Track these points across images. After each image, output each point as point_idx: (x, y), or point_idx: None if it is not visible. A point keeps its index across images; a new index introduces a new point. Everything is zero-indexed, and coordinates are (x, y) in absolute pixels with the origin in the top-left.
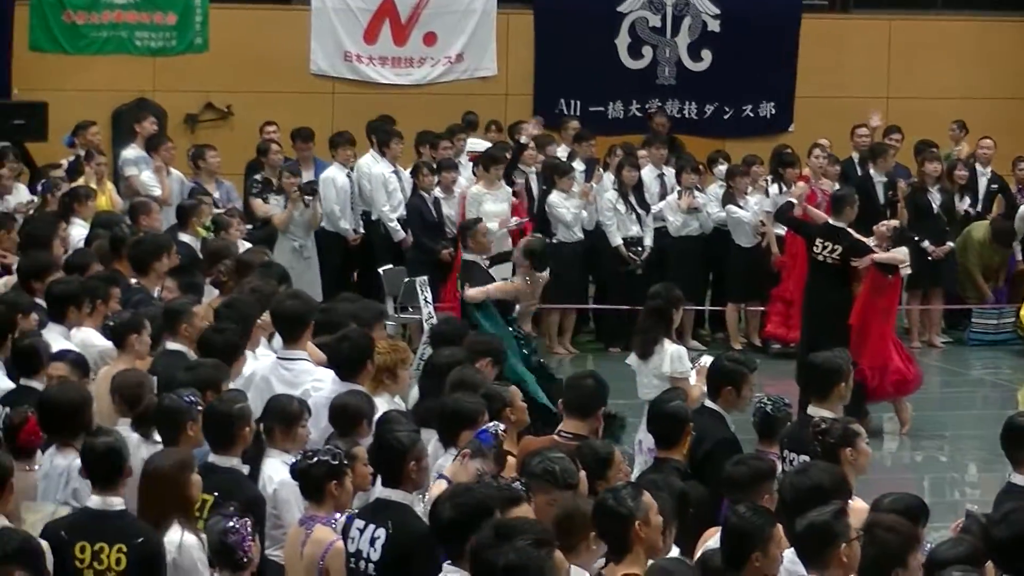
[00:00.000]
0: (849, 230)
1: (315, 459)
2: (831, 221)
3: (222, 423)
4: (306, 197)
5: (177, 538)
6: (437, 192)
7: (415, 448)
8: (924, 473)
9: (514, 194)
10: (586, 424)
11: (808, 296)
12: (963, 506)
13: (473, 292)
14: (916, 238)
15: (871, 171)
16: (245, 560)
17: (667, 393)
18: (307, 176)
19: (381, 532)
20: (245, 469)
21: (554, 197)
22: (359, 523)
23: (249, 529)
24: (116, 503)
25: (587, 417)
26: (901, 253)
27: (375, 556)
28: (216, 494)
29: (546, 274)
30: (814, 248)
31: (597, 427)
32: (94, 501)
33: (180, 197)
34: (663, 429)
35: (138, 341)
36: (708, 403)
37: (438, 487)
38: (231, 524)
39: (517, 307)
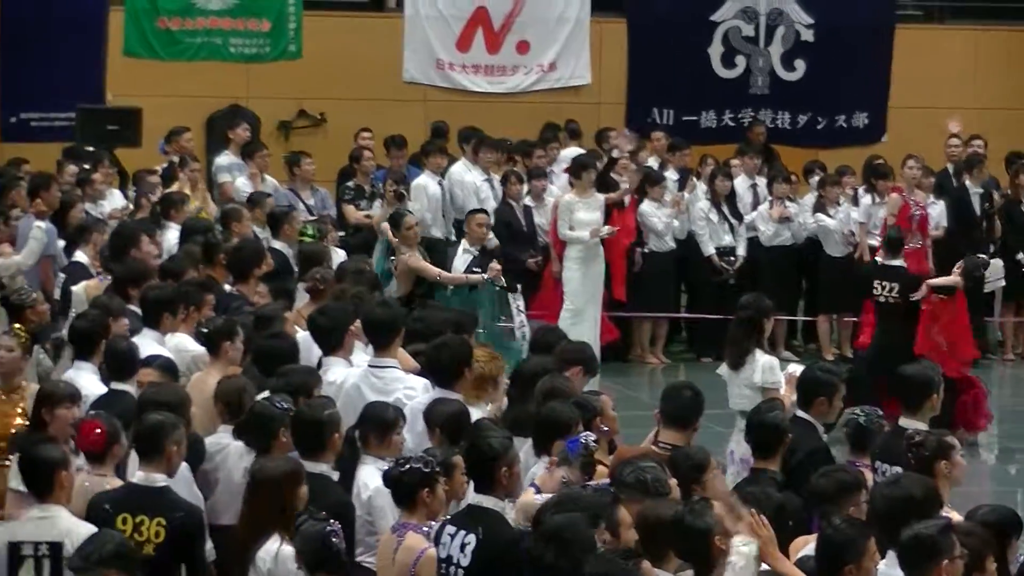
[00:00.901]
0: (901, 265)
1: (407, 467)
2: (881, 260)
3: (312, 429)
4: (396, 201)
5: (275, 548)
6: (528, 200)
7: (507, 454)
8: (1019, 487)
9: (618, 205)
10: (684, 435)
11: (881, 338)
12: None
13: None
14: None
15: (967, 182)
16: (344, 562)
17: (767, 403)
18: None
19: (472, 538)
20: (335, 475)
21: (646, 206)
22: (450, 529)
23: (341, 533)
24: (159, 479)
25: (686, 428)
26: (996, 266)
27: (465, 562)
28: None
29: None
30: (874, 292)
31: (692, 437)
32: (138, 476)
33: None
34: (762, 439)
35: (231, 348)
36: (800, 413)
37: (527, 495)
38: (331, 528)
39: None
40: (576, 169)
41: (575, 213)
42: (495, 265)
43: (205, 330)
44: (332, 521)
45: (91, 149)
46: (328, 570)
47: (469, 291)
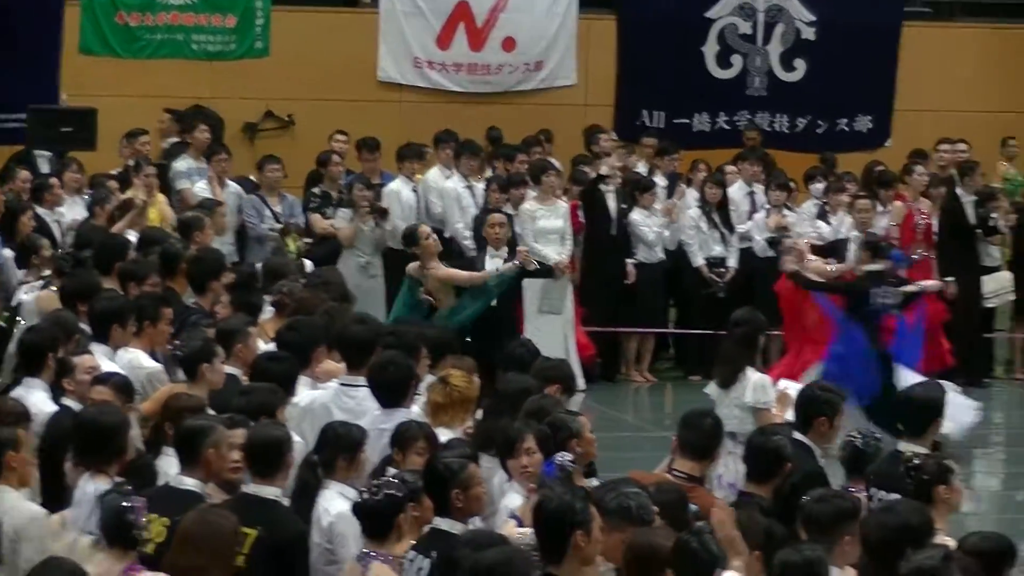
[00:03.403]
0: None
1: (380, 494)
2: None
3: (266, 450)
4: (377, 216)
5: None
6: (508, 209)
7: (462, 475)
8: None
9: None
10: (701, 465)
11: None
12: None
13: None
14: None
15: (958, 191)
16: (139, 538)
17: (772, 427)
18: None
19: (426, 563)
20: (285, 501)
21: (636, 215)
22: (411, 554)
23: (145, 509)
24: (188, 483)
25: (704, 458)
26: (1004, 279)
27: None
28: (259, 528)
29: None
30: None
31: (708, 468)
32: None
33: (236, 210)
34: (760, 463)
35: (210, 370)
36: (797, 435)
37: (509, 527)
38: (128, 503)
39: None
40: (536, 173)
41: (537, 221)
42: (523, 248)
43: (180, 354)
44: (135, 498)
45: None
46: (123, 544)
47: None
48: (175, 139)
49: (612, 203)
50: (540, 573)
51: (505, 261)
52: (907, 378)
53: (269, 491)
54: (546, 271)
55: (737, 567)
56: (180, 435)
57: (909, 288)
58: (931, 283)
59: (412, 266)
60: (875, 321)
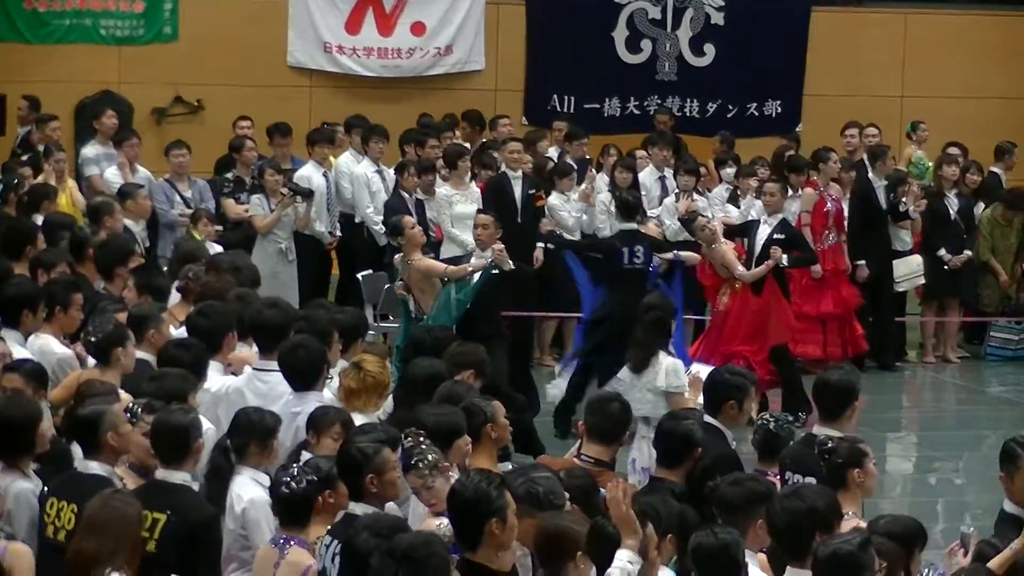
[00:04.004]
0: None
1: (297, 480)
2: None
3: (174, 436)
4: (298, 198)
5: None
6: (419, 194)
7: (376, 459)
8: (938, 496)
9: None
10: (609, 449)
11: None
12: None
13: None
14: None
15: (870, 175)
16: None
17: (683, 411)
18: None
19: (338, 547)
20: (195, 485)
21: (554, 199)
22: (327, 539)
23: None
24: (93, 467)
25: (612, 443)
26: (913, 263)
27: (334, 573)
28: (168, 512)
29: None
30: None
31: (617, 452)
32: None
33: (148, 195)
34: (671, 447)
35: (123, 355)
36: (708, 418)
37: (429, 520)
38: None
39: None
40: (452, 159)
41: (453, 207)
42: (498, 246)
43: (93, 339)
44: None
45: None
46: None
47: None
48: (30, 127)
49: (518, 190)
50: (458, 558)
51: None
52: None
53: (178, 476)
54: (520, 271)
55: (631, 545)
56: (76, 423)
57: (666, 256)
58: (689, 254)
59: (396, 258)
60: (644, 283)
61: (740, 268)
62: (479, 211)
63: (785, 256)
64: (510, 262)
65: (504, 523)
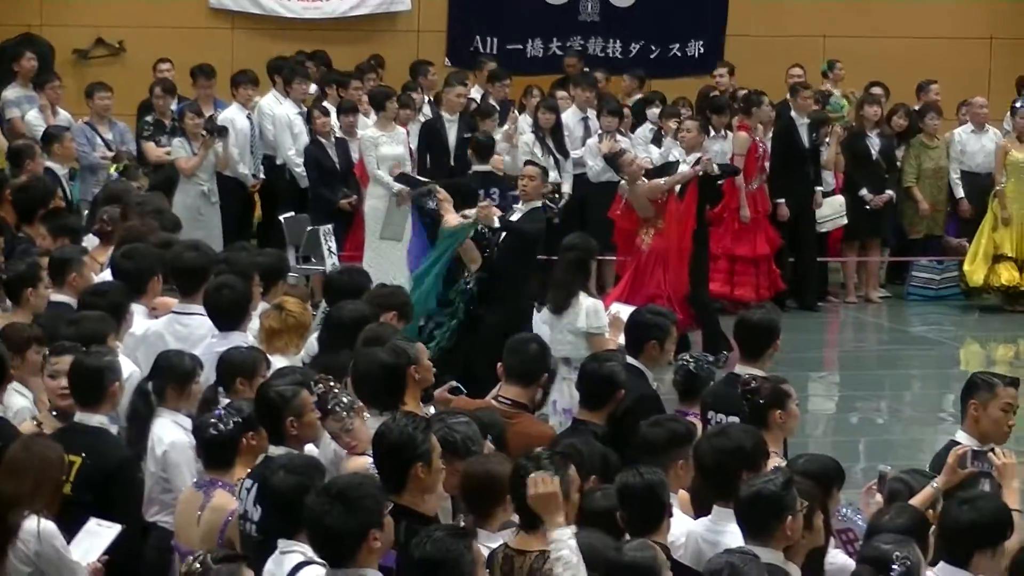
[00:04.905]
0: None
1: (220, 423)
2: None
3: (90, 378)
4: (217, 137)
5: (35, 527)
6: (340, 135)
7: (294, 402)
8: (859, 436)
9: None
10: (528, 391)
11: None
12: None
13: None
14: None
15: (792, 113)
16: None
17: (605, 352)
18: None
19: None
20: (113, 428)
21: None
22: (247, 483)
23: None
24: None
25: (529, 384)
26: (836, 203)
27: (255, 516)
28: (84, 455)
29: None
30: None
31: (536, 394)
32: None
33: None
34: (593, 390)
35: (34, 295)
36: (629, 359)
37: (359, 460)
38: None
39: None
40: (379, 101)
41: (379, 148)
42: (485, 203)
43: (4, 277)
44: None
45: None
46: None
47: None
48: None
49: (452, 133)
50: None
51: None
52: None
53: (95, 419)
54: (505, 227)
55: (560, 522)
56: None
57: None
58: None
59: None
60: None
61: (663, 180)
62: (527, 162)
63: (716, 165)
64: (494, 221)
65: (429, 467)
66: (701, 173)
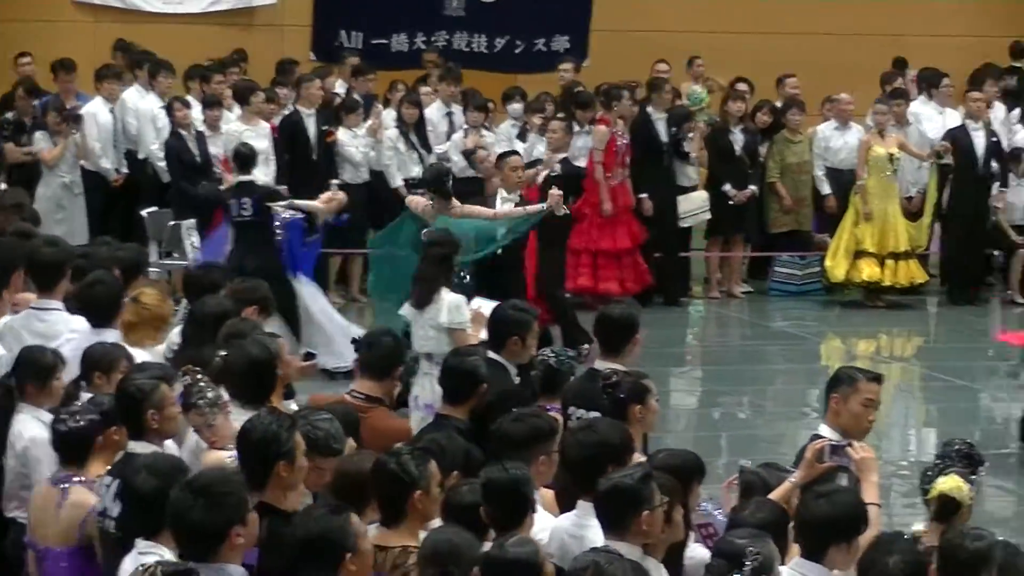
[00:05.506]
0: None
1: (77, 418)
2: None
3: None
4: (73, 126)
5: None
6: (203, 128)
7: (154, 396)
8: (722, 431)
9: None
10: (381, 385)
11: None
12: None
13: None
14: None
15: (648, 108)
16: None
17: (468, 347)
18: None
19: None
20: None
21: (342, 135)
22: (107, 480)
23: None
24: None
25: (384, 378)
26: (698, 199)
27: (115, 512)
28: None
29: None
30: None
31: (393, 388)
32: None
33: None
34: (455, 384)
35: None
36: (491, 354)
37: (215, 454)
38: None
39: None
40: (243, 95)
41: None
42: (556, 192)
43: None
44: None
45: None
46: None
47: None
48: None
49: (312, 127)
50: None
51: (516, 204)
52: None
53: None
54: (565, 217)
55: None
56: None
57: (280, 203)
58: (310, 204)
59: (423, 206)
60: (262, 234)
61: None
62: (510, 153)
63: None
64: (565, 208)
65: (292, 465)
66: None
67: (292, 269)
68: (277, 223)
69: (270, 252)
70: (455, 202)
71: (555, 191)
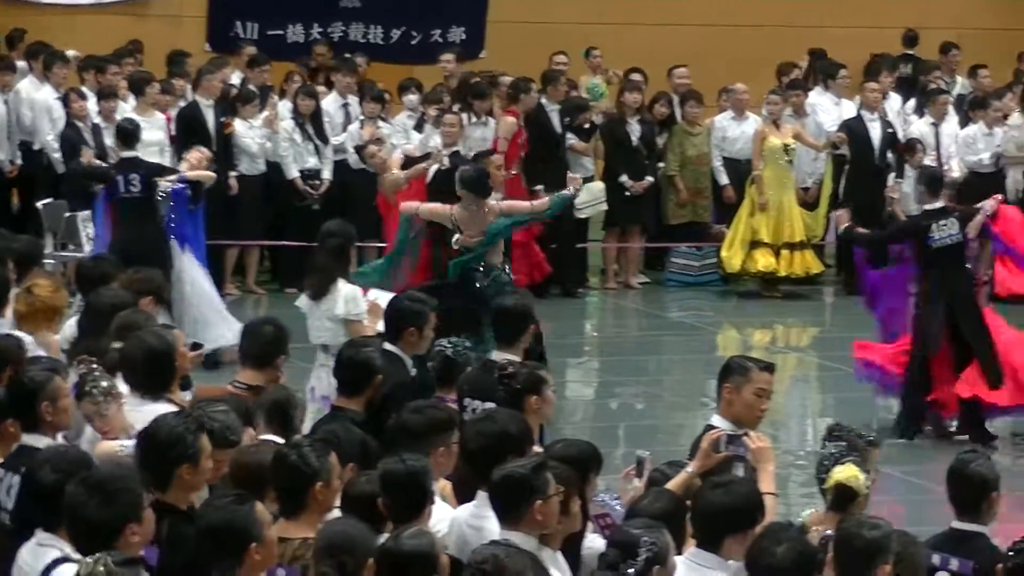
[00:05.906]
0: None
1: None
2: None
3: None
4: None
5: None
6: (98, 120)
7: (48, 387)
8: (619, 421)
9: None
10: (263, 374)
11: None
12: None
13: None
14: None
15: (542, 100)
16: None
17: (362, 339)
18: None
19: (15, 480)
20: None
21: (238, 126)
22: (1, 472)
23: None
24: None
25: (265, 367)
26: (595, 189)
27: (9, 505)
28: None
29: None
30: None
31: (276, 377)
32: None
33: None
34: (351, 376)
35: None
36: (388, 345)
37: (108, 445)
38: None
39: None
40: (138, 86)
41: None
42: (575, 175)
43: None
44: None
45: None
46: None
47: None
48: None
49: (211, 118)
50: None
51: (544, 192)
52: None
53: None
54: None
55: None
56: None
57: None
58: (198, 174)
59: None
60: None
61: (403, 173)
62: (491, 152)
63: (446, 158)
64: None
65: (197, 467)
66: (437, 166)
67: (180, 242)
68: (161, 193)
69: (155, 232)
70: (491, 202)
71: (574, 175)
